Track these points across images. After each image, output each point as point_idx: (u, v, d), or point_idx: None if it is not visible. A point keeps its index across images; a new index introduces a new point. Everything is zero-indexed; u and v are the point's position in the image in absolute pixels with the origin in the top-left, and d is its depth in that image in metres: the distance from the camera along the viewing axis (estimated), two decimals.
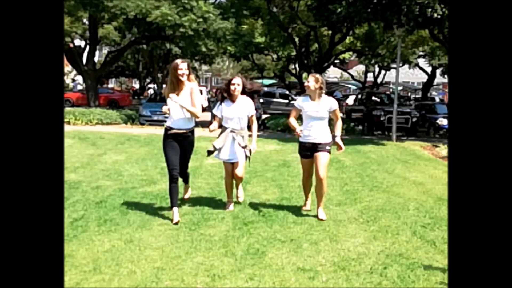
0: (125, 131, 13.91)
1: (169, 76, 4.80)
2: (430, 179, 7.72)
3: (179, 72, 4.71)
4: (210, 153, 5.42)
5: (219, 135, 5.34)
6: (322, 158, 5.03)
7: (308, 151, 5.14)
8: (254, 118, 5.39)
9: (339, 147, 5.12)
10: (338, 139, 5.12)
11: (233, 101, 5.26)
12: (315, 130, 5.07)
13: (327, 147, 5.07)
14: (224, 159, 5.37)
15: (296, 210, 5.43)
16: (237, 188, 5.58)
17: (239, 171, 5.33)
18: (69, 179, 6.64)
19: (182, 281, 3.40)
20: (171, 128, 4.88)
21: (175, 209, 4.83)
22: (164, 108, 4.93)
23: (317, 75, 5.16)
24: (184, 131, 4.89)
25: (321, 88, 5.06)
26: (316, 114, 5.05)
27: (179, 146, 4.91)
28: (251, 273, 3.55)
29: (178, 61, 4.80)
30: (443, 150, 11.40)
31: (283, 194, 6.24)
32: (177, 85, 4.76)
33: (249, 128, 5.42)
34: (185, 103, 4.76)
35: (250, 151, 5.36)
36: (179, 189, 5.15)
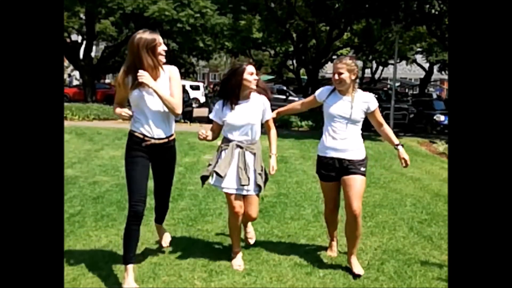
0: (122, 127, 13.87)
1: (135, 56, 3.10)
2: (427, 175, 7.74)
3: (160, 51, 3.14)
4: (205, 178, 3.60)
5: (219, 153, 3.58)
6: (355, 184, 3.49)
7: (333, 170, 3.58)
8: (272, 123, 3.76)
9: (404, 160, 3.56)
10: (401, 149, 3.59)
11: (244, 100, 3.56)
12: (342, 139, 3.52)
13: (362, 168, 3.56)
14: (229, 190, 3.50)
15: (293, 206, 5.44)
16: (245, 226, 3.96)
17: (254, 210, 3.59)
18: (66, 174, 6.62)
19: (179, 276, 3.40)
20: (144, 137, 3.21)
21: (129, 267, 3.19)
22: (120, 111, 3.21)
23: (349, 60, 3.51)
24: (165, 139, 3.27)
25: (357, 77, 3.56)
26: (345, 114, 3.50)
27: (154, 164, 3.34)
28: (248, 268, 3.55)
29: (154, 35, 3.13)
30: (440, 146, 11.43)
31: (280, 190, 6.24)
32: (151, 71, 3.13)
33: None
34: (164, 92, 3.17)
35: (266, 176, 3.67)
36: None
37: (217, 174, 3.45)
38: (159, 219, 3.76)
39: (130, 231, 3.20)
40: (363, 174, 3.56)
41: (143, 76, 3.06)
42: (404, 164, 3.59)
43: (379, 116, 3.63)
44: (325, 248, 4.03)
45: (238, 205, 3.52)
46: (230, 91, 3.51)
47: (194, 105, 25.21)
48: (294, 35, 23.81)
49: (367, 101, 3.54)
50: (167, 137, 3.27)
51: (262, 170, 3.61)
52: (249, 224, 3.96)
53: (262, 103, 3.61)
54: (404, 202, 5.76)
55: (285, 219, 4.91)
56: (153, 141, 3.20)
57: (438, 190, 6.50)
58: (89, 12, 19.09)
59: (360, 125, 3.59)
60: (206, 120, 17.40)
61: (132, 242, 3.21)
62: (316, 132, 14.31)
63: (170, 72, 3.25)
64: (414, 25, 14.53)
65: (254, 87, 3.53)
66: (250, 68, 3.50)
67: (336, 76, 3.48)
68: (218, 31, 17.87)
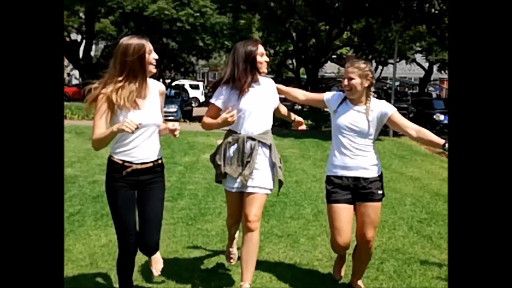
0: None
1: (126, 65, 2.59)
2: (426, 175, 7.74)
3: (150, 60, 2.64)
4: (219, 179, 3.12)
5: (226, 149, 3.03)
6: (372, 213, 3.03)
7: (346, 189, 3.05)
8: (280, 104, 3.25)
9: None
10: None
11: (256, 83, 3.02)
12: (353, 155, 3.01)
13: (380, 192, 3.06)
14: (228, 188, 3.05)
15: (293, 205, 5.44)
16: (231, 241, 3.46)
17: (253, 211, 2.99)
18: (65, 173, 6.62)
19: (179, 276, 3.40)
20: (124, 163, 2.68)
21: None
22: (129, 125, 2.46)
23: (363, 64, 3.00)
24: (151, 164, 2.73)
25: (371, 85, 3.01)
26: (354, 126, 3.01)
27: (139, 194, 2.78)
28: None
29: (143, 41, 2.61)
30: None
31: (280, 189, 6.23)
32: (142, 83, 2.64)
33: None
34: (158, 119, 2.74)
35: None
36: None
37: (230, 176, 2.97)
38: (152, 251, 2.95)
39: (126, 264, 2.87)
40: (381, 199, 3.08)
41: (177, 129, 2.72)
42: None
43: (402, 120, 3.03)
44: (325, 247, 4.02)
45: (238, 205, 3.07)
46: (244, 77, 2.93)
47: (193, 104, 25.25)
48: (294, 34, 23.79)
49: (378, 107, 3.01)
50: (152, 162, 2.73)
51: (281, 162, 3.13)
52: (234, 243, 3.46)
53: (273, 86, 3.15)
54: (403, 202, 5.76)
55: (285, 218, 4.91)
56: (134, 166, 2.67)
57: (437, 189, 6.51)
58: (89, 11, 19.08)
59: (373, 138, 3.06)
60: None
61: (129, 272, 2.91)
62: (315, 131, 14.31)
63: (162, 93, 2.83)
64: (414, 24, 14.56)
65: (266, 70, 3.08)
66: (261, 49, 3.03)
67: (346, 82, 2.98)
68: (218, 30, 17.89)
